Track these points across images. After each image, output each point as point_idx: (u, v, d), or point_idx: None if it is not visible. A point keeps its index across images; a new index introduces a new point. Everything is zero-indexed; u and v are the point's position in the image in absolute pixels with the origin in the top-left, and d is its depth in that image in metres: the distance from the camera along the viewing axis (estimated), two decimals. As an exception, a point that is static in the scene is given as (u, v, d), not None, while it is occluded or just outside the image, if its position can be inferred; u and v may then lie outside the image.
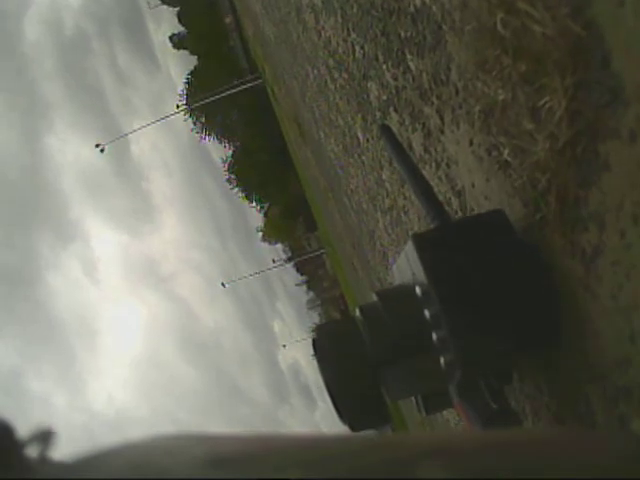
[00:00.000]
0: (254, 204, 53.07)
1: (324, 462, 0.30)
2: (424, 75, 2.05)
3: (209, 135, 48.35)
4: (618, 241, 1.04)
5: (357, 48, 3.26)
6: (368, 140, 3.90)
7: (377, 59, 2.79)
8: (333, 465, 0.29)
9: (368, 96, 3.33)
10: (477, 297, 1.30)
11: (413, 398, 1.56)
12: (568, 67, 1.03)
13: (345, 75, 3.97)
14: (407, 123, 2.49)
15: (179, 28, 54.72)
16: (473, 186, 1.78)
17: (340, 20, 3.56)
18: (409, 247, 1.39)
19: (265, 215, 54.24)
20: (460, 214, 1.97)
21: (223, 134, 48.26)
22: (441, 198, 1.87)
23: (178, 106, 39.25)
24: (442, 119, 1.95)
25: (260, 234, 58.24)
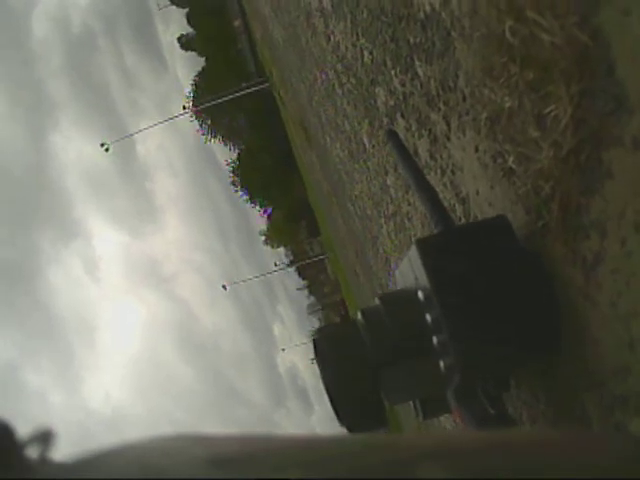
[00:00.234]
0: (257, 207, 53.11)
1: (324, 462, 0.30)
2: (432, 81, 2.06)
3: (215, 137, 48.45)
4: (619, 249, 1.05)
5: (366, 53, 3.27)
6: (374, 146, 3.91)
7: (385, 65, 2.80)
8: (333, 465, 0.30)
9: (375, 101, 3.34)
10: (478, 302, 1.31)
11: (411, 402, 1.57)
12: (574, 75, 1.04)
13: (353, 80, 3.99)
14: (414, 129, 2.50)
15: (188, 29, 54.93)
16: (477, 193, 1.79)
17: (350, 25, 3.58)
18: (412, 252, 1.40)
19: (268, 218, 54.27)
20: (464, 221, 1.98)
21: (229, 136, 48.32)
22: (445, 205, 1.88)
23: (185, 107, 39.28)
24: (449, 125, 1.96)
25: (263, 237, 58.28)
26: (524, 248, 1.37)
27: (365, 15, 3.03)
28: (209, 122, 46.61)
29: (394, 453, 0.31)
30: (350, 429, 1.41)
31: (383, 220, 4.38)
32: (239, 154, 49.76)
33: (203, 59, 50.64)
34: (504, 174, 1.47)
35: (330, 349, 1.42)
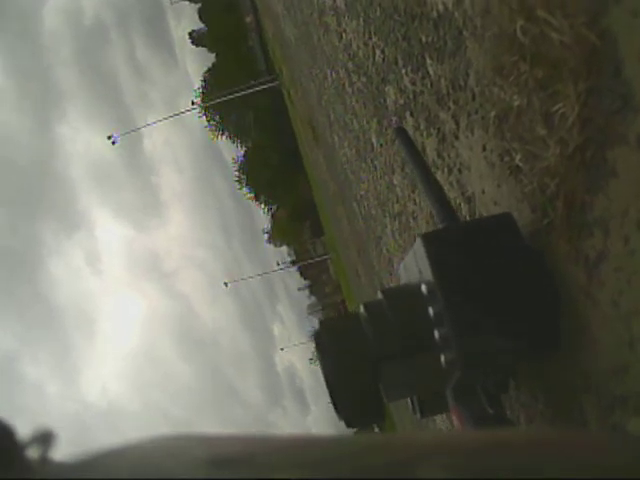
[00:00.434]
0: (262, 205, 53.04)
1: (325, 463, 0.30)
2: (442, 80, 2.07)
3: (222, 134, 48.40)
4: (622, 247, 1.06)
5: (377, 52, 3.28)
6: (382, 145, 3.92)
7: (397, 63, 2.82)
8: (333, 466, 0.30)
9: (385, 100, 3.36)
10: (481, 297, 1.32)
11: (409, 400, 1.57)
12: (582, 74, 1.06)
13: (363, 78, 4.00)
14: (422, 128, 2.52)
15: (199, 25, 54.97)
16: (483, 192, 1.80)
17: (362, 23, 3.59)
18: (417, 245, 1.42)
19: (272, 217, 54.20)
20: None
21: (236, 133, 48.29)
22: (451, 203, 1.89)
23: (193, 103, 39.24)
24: (457, 124, 1.98)
25: (266, 236, 58.25)
26: (529, 246, 1.39)
27: (378, 13, 3.04)
28: (217, 118, 46.59)
29: (394, 453, 0.31)
30: (348, 422, 1.42)
31: (388, 220, 4.39)
32: (246, 151, 49.75)
33: (213, 55, 50.67)
34: (511, 172, 1.49)
35: (331, 341, 1.43)
